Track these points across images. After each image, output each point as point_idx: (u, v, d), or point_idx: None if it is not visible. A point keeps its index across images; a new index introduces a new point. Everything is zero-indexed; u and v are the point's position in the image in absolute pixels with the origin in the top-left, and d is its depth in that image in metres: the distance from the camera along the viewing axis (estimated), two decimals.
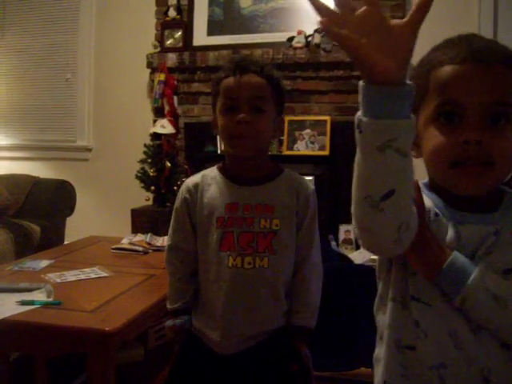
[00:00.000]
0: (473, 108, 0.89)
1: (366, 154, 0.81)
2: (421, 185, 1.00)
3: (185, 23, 4.37)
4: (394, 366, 1.00)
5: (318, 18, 0.74)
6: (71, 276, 2.31)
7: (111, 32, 4.69)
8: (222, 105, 1.49)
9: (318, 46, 3.90)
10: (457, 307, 0.92)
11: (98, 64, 4.76)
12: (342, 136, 3.97)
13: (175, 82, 4.27)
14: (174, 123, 4.22)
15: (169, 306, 1.64)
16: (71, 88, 4.84)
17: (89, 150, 4.81)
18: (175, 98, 4.28)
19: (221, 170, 1.58)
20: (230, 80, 1.48)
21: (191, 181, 1.59)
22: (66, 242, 3.78)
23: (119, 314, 1.84)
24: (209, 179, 1.56)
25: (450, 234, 0.95)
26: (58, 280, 2.24)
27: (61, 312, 1.86)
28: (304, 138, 3.97)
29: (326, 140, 3.93)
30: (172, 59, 4.26)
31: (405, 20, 0.75)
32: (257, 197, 1.51)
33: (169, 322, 1.61)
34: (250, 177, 1.54)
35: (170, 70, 4.25)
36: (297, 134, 4.00)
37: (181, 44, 4.34)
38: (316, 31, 3.92)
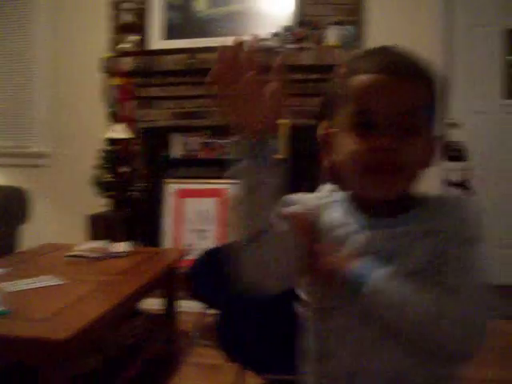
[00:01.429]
0: (386, 118, 0.94)
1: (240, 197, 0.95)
2: (329, 194, 1.11)
3: (141, 27, 4.32)
4: (314, 374, 1.06)
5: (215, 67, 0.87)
6: (25, 284, 2.26)
7: (66, 36, 4.62)
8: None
9: (273, 49, 3.89)
10: (367, 314, 0.95)
11: (53, 69, 4.67)
12: (299, 139, 3.97)
13: (131, 87, 4.22)
14: (131, 128, 4.17)
15: None
16: (26, 93, 4.75)
17: (44, 155, 4.71)
18: (131, 102, 4.23)
19: None
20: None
21: None
22: (21, 250, 3.69)
23: (71, 322, 1.80)
24: None
25: (360, 240, 1.00)
26: (11, 289, 2.20)
27: (10, 322, 1.81)
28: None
29: (284, 144, 3.92)
30: (128, 63, 4.20)
31: (271, 90, 0.97)
32: None
33: None
34: None
35: (126, 75, 4.20)
36: None
37: (136, 48, 4.29)
38: (272, 35, 3.92)
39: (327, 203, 1.10)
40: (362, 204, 1.04)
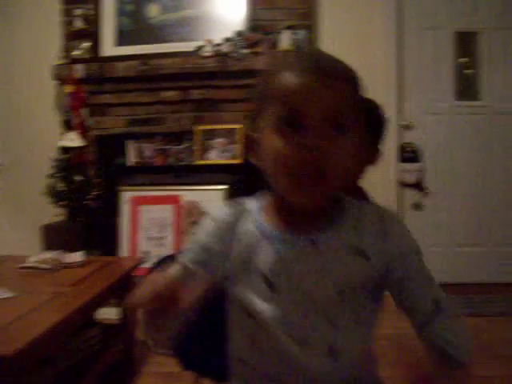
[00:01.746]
0: (313, 116, 0.92)
1: None
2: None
3: (92, 33, 4.27)
4: (236, 378, 1.10)
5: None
6: None
7: (16, 44, 4.53)
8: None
9: (227, 54, 3.90)
10: (283, 328, 0.98)
11: (4, 77, 4.58)
12: None
13: (84, 94, 4.16)
14: (84, 136, 4.11)
15: None
16: None
17: None
18: (84, 110, 4.18)
19: None
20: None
21: None
22: None
23: (21, 335, 1.75)
24: None
25: (272, 255, 1.00)
26: None
27: None
28: (216, 147, 3.96)
29: (238, 148, 3.93)
30: (80, 70, 4.14)
31: None
32: None
33: None
34: None
35: (78, 82, 4.14)
36: (209, 142, 3.98)
37: (88, 55, 4.23)
38: (225, 40, 3.92)
39: (244, 212, 1.08)
40: (285, 212, 1.03)
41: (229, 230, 1.06)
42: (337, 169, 0.94)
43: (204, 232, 1.09)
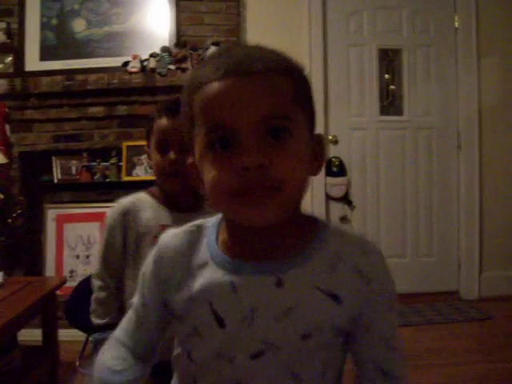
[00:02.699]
0: (245, 129, 0.77)
1: None
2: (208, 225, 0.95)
3: (15, 47, 4.17)
4: None
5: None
6: None
7: None
8: None
9: (153, 70, 3.88)
10: (232, 375, 0.85)
11: None
12: None
13: (6, 110, 4.06)
14: (6, 152, 4.00)
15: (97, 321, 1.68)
16: None
17: None
18: (7, 126, 4.07)
19: None
20: None
21: None
22: None
23: None
24: None
25: (224, 286, 0.85)
26: None
27: None
28: (143, 163, 3.92)
29: None
30: (2, 85, 4.03)
31: None
32: None
33: (96, 335, 1.65)
34: None
35: (1, 97, 4.04)
36: (135, 159, 3.94)
37: (11, 69, 4.14)
38: (151, 56, 3.90)
39: (202, 232, 0.94)
40: (242, 235, 0.86)
41: (176, 261, 0.92)
42: (288, 179, 0.77)
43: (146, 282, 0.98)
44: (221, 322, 0.84)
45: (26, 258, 4.09)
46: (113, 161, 3.96)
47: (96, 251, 3.86)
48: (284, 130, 0.79)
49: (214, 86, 0.79)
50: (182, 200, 1.67)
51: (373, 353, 0.87)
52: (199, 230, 0.94)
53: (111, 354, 0.98)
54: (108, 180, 3.99)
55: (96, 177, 4.00)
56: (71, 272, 3.83)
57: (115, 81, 3.92)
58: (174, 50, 3.94)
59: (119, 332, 1.03)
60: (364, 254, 0.87)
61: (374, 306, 0.86)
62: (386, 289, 0.89)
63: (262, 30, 4.12)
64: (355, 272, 0.85)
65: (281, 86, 0.79)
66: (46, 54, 4.17)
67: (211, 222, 0.95)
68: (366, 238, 0.91)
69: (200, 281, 0.87)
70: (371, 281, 0.85)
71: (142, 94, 3.97)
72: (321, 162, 0.88)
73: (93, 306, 1.74)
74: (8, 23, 4.16)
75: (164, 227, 1.57)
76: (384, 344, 0.87)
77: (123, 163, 3.95)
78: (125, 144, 3.96)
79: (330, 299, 0.83)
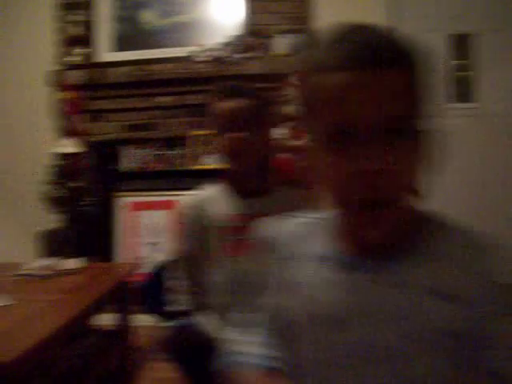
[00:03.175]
0: (363, 128, 0.73)
1: None
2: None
3: (87, 39, 4.27)
4: None
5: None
6: None
7: (11, 50, 4.53)
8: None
9: (221, 59, 3.90)
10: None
11: None
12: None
13: (79, 100, 4.16)
14: (80, 142, 4.11)
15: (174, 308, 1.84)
16: None
17: None
18: (80, 116, 4.17)
19: None
20: None
21: None
22: None
23: (17, 344, 1.75)
24: None
25: (332, 284, 0.81)
26: None
27: None
28: (212, 152, 3.95)
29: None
30: (75, 76, 4.15)
31: None
32: None
33: (174, 322, 1.78)
34: None
35: (74, 88, 4.14)
36: (204, 148, 3.98)
37: (84, 61, 4.24)
38: (219, 45, 3.92)
39: (309, 232, 0.91)
40: (348, 231, 0.82)
41: (287, 251, 0.90)
42: (404, 185, 0.75)
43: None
44: (327, 323, 0.80)
45: (98, 245, 4.19)
46: (182, 149, 4.00)
47: (166, 239, 3.92)
48: (404, 132, 0.74)
49: (336, 76, 0.74)
50: (249, 183, 1.68)
51: (496, 364, 0.75)
52: (311, 222, 0.92)
53: (239, 336, 0.99)
54: (177, 168, 4.04)
55: (166, 165, 4.05)
56: (142, 259, 3.91)
57: (184, 70, 3.96)
58: (243, 39, 3.94)
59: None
60: (484, 250, 0.78)
61: (497, 309, 0.75)
62: None
63: (332, 16, 4.07)
64: (475, 271, 0.76)
65: (402, 84, 0.74)
66: (116, 44, 4.25)
67: (324, 215, 0.91)
68: (486, 234, 0.81)
69: (306, 274, 0.84)
70: (494, 279, 0.75)
71: (210, 83, 3.97)
72: (434, 162, 0.82)
73: (169, 294, 1.77)
74: (81, 16, 4.25)
75: (234, 216, 1.60)
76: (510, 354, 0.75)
77: (192, 152, 3.99)
78: (194, 133, 4.00)
79: (445, 300, 0.75)
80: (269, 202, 1.66)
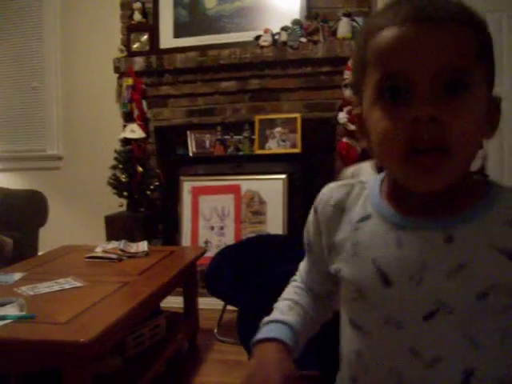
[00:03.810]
0: (421, 79, 0.71)
1: None
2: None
3: (151, 26, 4.32)
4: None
5: None
6: (44, 288, 2.28)
7: (77, 38, 4.64)
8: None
9: (285, 43, 3.89)
10: (402, 340, 0.78)
11: (65, 71, 4.70)
12: (313, 132, 3.97)
13: (143, 86, 4.23)
14: (144, 127, 4.18)
15: None
16: (39, 96, 4.78)
17: (59, 158, 4.75)
18: (144, 101, 4.24)
19: None
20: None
21: None
22: (39, 253, 3.72)
23: (94, 325, 1.81)
24: None
25: (389, 240, 0.80)
26: (31, 293, 2.21)
27: (34, 326, 1.83)
28: (275, 137, 3.96)
29: (297, 137, 3.92)
30: (139, 63, 4.22)
31: None
32: None
33: None
34: None
35: (138, 74, 4.21)
36: (268, 132, 3.99)
37: (147, 47, 4.29)
38: (282, 29, 3.91)
39: (357, 186, 0.90)
40: (407, 193, 0.80)
41: (335, 213, 0.89)
42: (462, 140, 0.72)
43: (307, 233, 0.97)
44: (386, 281, 0.79)
45: (163, 228, 4.27)
46: (245, 134, 4.03)
47: (230, 223, 3.96)
48: (462, 85, 0.72)
49: (393, 31, 0.73)
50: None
51: None
52: (360, 182, 0.91)
53: (285, 295, 1.01)
54: (241, 153, 4.06)
55: (229, 150, 4.09)
56: (206, 243, 3.96)
57: (247, 55, 3.97)
58: (305, 23, 3.92)
59: (297, 274, 1.05)
60: None
61: None
62: None
63: None
64: None
65: (464, 37, 0.73)
66: (179, 31, 4.29)
67: (370, 178, 0.91)
68: None
69: (363, 235, 0.83)
70: None
71: (273, 68, 3.99)
72: (495, 126, 0.79)
73: None
74: (143, 3, 4.30)
75: None
76: None
77: (256, 136, 4.01)
78: (257, 117, 4.01)
79: (506, 257, 0.74)
80: None
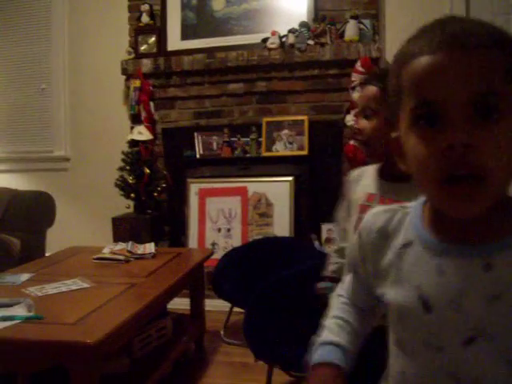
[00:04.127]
0: (454, 106, 0.73)
1: None
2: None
3: (158, 28, 4.34)
4: None
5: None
6: (52, 289, 2.29)
7: (84, 40, 4.66)
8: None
9: (292, 46, 3.90)
10: (443, 364, 0.80)
11: (73, 73, 4.71)
12: (320, 135, 3.97)
13: (151, 88, 4.24)
14: (151, 129, 4.20)
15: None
16: (46, 98, 4.79)
17: (67, 159, 4.76)
18: (151, 103, 4.26)
19: None
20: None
21: None
22: (47, 254, 3.74)
23: (101, 326, 1.81)
24: None
25: (430, 267, 0.82)
26: (39, 293, 2.22)
27: (41, 326, 1.84)
28: (282, 139, 3.97)
29: (305, 140, 3.93)
30: (147, 65, 4.23)
31: None
32: None
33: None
34: None
35: (145, 76, 4.23)
36: (275, 134, 4.00)
37: (155, 49, 4.31)
38: (290, 31, 3.92)
39: (400, 211, 0.92)
40: (445, 219, 0.80)
41: (379, 240, 0.92)
42: (497, 165, 0.72)
43: (350, 253, 1.04)
44: (427, 306, 0.80)
45: (170, 230, 4.28)
46: (253, 136, 4.03)
47: (236, 224, 3.96)
48: (494, 110, 0.72)
49: (426, 59, 0.75)
50: (391, 168, 1.65)
51: None
52: (403, 207, 0.93)
53: (334, 312, 1.05)
54: (248, 155, 4.06)
55: (236, 152, 4.09)
56: (213, 245, 3.96)
57: (254, 57, 3.98)
58: (313, 25, 3.92)
59: (342, 288, 1.08)
60: None
61: None
62: None
63: (401, 1, 4.01)
64: None
65: (495, 62, 0.73)
66: (186, 33, 4.30)
67: (413, 204, 0.92)
68: None
69: (405, 262, 0.85)
70: None
71: (280, 70, 4.00)
72: None
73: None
74: (151, 5, 4.32)
75: (371, 196, 1.62)
76: None
77: (263, 139, 4.01)
78: (264, 119, 4.02)
79: None
80: (405, 187, 1.66)
